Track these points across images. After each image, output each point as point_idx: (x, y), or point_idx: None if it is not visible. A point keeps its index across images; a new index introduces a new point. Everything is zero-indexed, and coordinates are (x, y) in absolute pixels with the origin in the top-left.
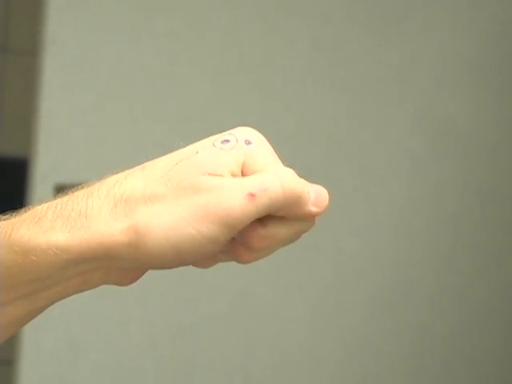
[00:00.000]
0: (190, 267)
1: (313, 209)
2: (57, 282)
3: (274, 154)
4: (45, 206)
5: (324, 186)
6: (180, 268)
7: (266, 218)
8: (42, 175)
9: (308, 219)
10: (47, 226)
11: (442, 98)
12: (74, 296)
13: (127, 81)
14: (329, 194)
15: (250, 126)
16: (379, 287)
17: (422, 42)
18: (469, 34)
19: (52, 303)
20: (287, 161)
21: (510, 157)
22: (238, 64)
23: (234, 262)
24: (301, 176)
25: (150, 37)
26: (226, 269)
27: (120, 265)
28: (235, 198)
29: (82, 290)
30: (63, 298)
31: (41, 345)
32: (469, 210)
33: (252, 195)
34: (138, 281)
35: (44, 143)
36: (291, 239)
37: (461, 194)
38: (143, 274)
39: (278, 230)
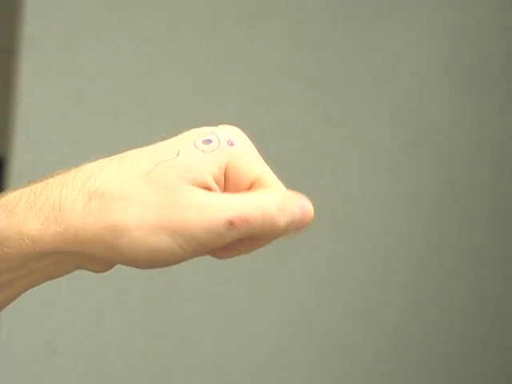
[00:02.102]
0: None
1: (291, 232)
2: (30, 272)
3: (257, 153)
4: (18, 193)
5: (304, 190)
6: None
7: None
8: (18, 173)
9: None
10: (20, 216)
11: (420, 100)
12: (50, 294)
13: (105, 79)
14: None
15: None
16: (357, 288)
17: (400, 45)
18: (447, 38)
19: (26, 290)
20: (267, 160)
21: (488, 159)
22: (218, 64)
23: (210, 263)
24: (280, 177)
25: (128, 35)
26: (203, 270)
27: (92, 258)
28: (214, 221)
29: (55, 277)
30: (37, 284)
31: (17, 342)
32: (446, 211)
33: (231, 223)
34: (117, 278)
35: (21, 141)
36: (260, 247)
37: (438, 196)
38: (115, 266)
39: (246, 249)
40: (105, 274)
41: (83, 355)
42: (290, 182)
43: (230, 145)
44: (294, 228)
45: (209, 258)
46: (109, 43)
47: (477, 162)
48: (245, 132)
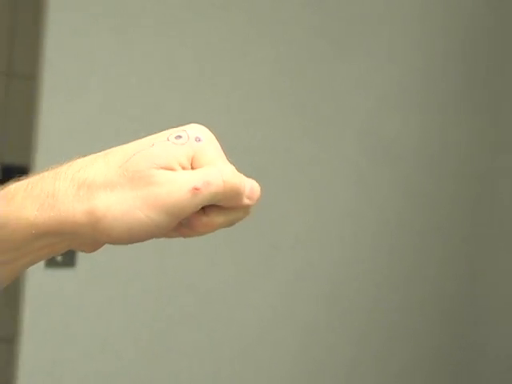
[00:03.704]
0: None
1: (247, 201)
2: (29, 252)
3: (221, 151)
4: (17, 185)
5: (281, 199)
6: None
7: (208, 207)
8: None
9: (243, 209)
10: (18, 204)
11: (385, 118)
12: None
13: (116, 101)
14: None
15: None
16: (330, 283)
17: (366, 71)
18: (410, 58)
19: (25, 268)
20: (250, 172)
21: (446, 171)
22: (206, 84)
23: (196, 258)
24: (261, 185)
25: (139, 58)
26: (190, 264)
27: (81, 240)
28: (182, 191)
29: (50, 257)
30: (35, 263)
31: (39, 325)
32: (407, 219)
33: (196, 189)
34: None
35: (42, 154)
36: (229, 225)
37: (400, 205)
38: (103, 245)
39: (217, 218)
40: None
41: (95, 339)
42: (271, 192)
43: (197, 141)
44: (249, 198)
45: (196, 252)
46: (119, 68)
47: (435, 173)
48: (232, 145)
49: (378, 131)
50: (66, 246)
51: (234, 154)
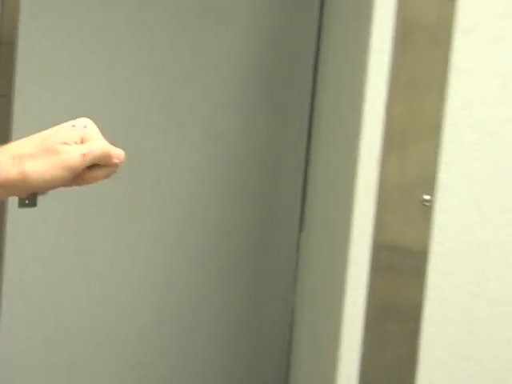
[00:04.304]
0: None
1: (116, 161)
2: None
3: (100, 134)
4: None
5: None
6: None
7: (92, 166)
8: None
9: (114, 167)
10: None
11: (221, 119)
12: None
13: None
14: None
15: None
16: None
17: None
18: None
19: None
20: (118, 143)
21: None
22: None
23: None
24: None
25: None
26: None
27: (16, 190)
28: (76, 157)
29: (7, 197)
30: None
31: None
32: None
33: (84, 155)
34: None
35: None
36: (106, 177)
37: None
38: (31, 192)
39: (98, 173)
40: None
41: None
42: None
43: (85, 127)
44: (117, 159)
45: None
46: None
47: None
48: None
49: (216, 131)
50: (7, 194)
51: (106, 133)
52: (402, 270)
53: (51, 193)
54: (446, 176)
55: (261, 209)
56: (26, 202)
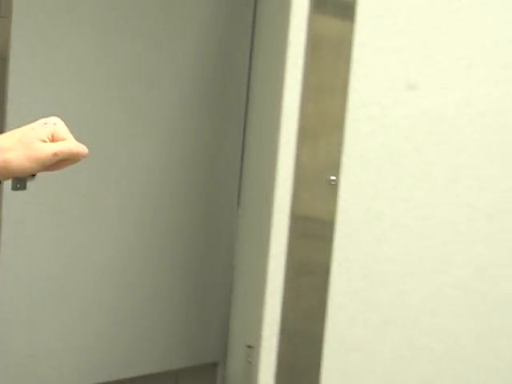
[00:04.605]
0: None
1: (80, 158)
2: None
3: (68, 131)
4: None
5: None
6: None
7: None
8: None
9: (77, 160)
10: None
11: (173, 118)
12: None
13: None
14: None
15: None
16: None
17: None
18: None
19: None
20: (85, 137)
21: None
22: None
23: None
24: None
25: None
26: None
27: (0, 175)
28: (48, 154)
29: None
30: None
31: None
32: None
33: (55, 153)
34: None
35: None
36: (72, 164)
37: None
38: (9, 178)
39: (64, 163)
40: None
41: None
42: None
43: (54, 125)
44: (81, 155)
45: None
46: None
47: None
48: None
49: (173, 127)
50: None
51: (73, 131)
52: (314, 235)
53: (36, 182)
54: (347, 161)
55: (205, 189)
56: (18, 185)
